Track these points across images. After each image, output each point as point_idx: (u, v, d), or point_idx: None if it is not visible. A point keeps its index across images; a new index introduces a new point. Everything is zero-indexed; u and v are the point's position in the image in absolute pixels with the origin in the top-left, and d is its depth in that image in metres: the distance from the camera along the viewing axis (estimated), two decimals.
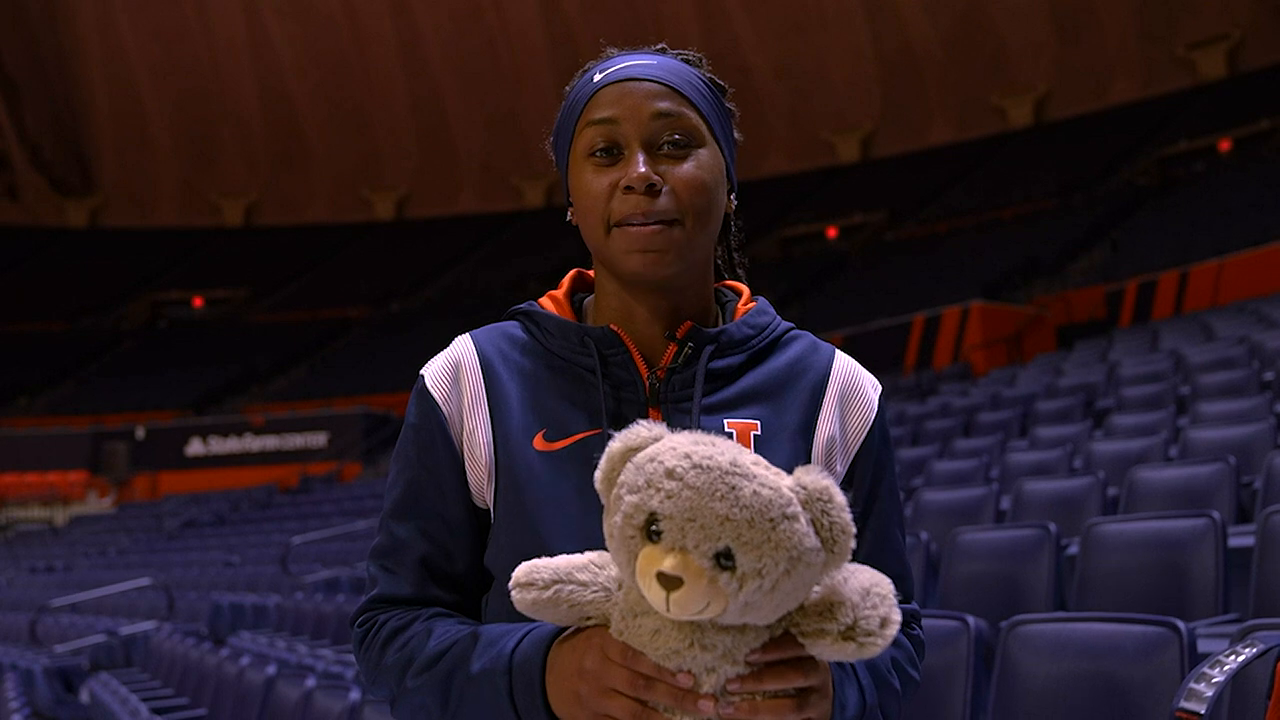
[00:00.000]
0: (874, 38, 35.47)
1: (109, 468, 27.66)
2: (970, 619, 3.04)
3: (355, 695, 3.89)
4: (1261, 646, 2.13)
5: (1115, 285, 19.97)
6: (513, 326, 1.42)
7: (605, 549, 1.14)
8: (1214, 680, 2.04)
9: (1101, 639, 2.70)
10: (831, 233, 32.82)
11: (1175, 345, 11.51)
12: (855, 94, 36.11)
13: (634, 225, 1.30)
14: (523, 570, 1.14)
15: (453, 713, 1.25)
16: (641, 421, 1.11)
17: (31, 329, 35.05)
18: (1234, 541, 3.82)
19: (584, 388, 1.34)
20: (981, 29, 34.39)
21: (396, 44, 38.45)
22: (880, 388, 1.44)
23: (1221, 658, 2.11)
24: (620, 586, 1.13)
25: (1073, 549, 4.31)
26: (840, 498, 1.06)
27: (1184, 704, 2.02)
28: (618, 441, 1.10)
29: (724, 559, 1.02)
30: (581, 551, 1.18)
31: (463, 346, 1.40)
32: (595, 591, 1.13)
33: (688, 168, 1.32)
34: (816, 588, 1.09)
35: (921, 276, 25.10)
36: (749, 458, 1.06)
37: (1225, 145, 27.52)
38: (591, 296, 1.44)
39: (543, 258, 31.73)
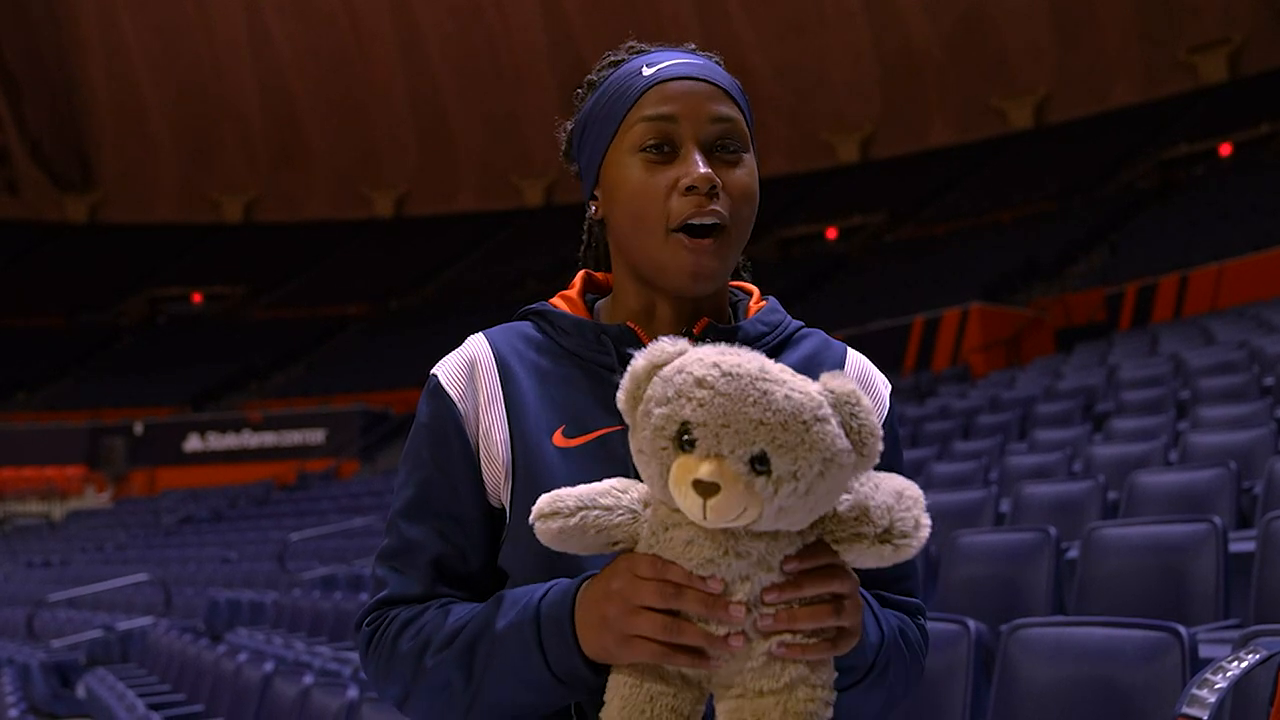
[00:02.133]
0: (874, 39, 35.46)
1: (107, 463, 27.64)
2: (970, 622, 3.03)
3: (353, 693, 3.88)
4: (1264, 653, 2.12)
5: (1115, 288, 19.95)
6: (526, 326, 1.40)
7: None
8: (1217, 686, 2.03)
9: (1102, 643, 2.69)
10: (831, 234, 32.80)
11: (1175, 349, 11.50)
12: (855, 95, 36.11)
13: (691, 238, 1.28)
14: (546, 501, 1.12)
15: (477, 683, 1.21)
16: (663, 337, 1.11)
17: (30, 324, 35.03)
18: (1234, 547, 3.82)
19: (601, 385, 1.32)
20: (982, 31, 34.39)
21: (397, 42, 38.43)
22: (890, 385, 1.44)
23: (1224, 664, 2.10)
24: (647, 506, 1.12)
25: (1072, 553, 4.30)
26: (867, 401, 1.07)
27: (1186, 710, 2.02)
28: (641, 359, 1.09)
29: (759, 463, 1.02)
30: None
31: (477, 344, 1.37)
32: (621, 515, 1.12)
33: (740, 174, 1.31)
34: (846, 496, 1.09)
35: (921, 278, 25.10)
36: (775, 365, 1.06)
37: (1226, 149, 27.50)
38: (604, 299, 1.43)
39: (541, 257, 31.70)
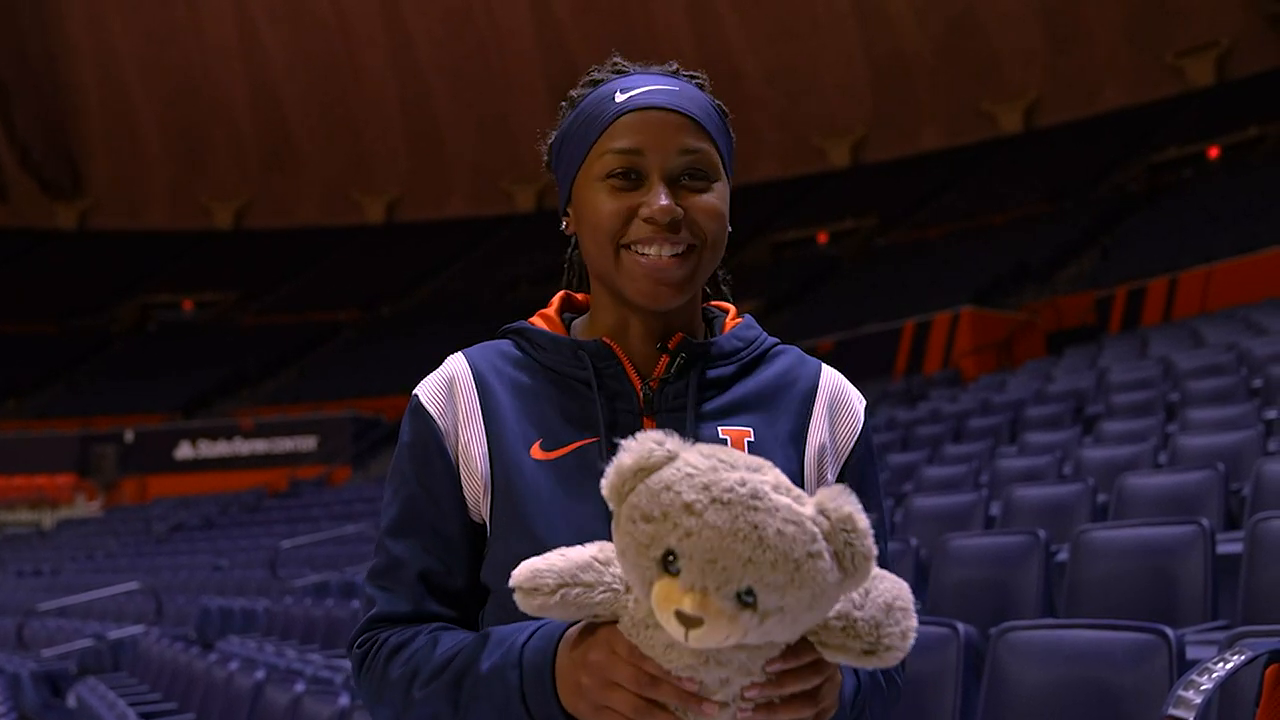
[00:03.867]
0: (865, 43, 35.53)
1: (97, 471, 27.56)
2: (959, 625, 3.04)
3: (344, 700, 3.88)
4: (1250, 654, 2.13)
5: (1105, 291, 20.01)
6: (505, 344, 1.43)
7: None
8: (1203, 687, 2.04)
9: (1091, 646, 2.70)
10: (822, 238, 32.85)
11: (1165, 352, 11.53)
12: (846, 99, 36.17)
13: (648, 254, 1.31)
14: (525, 575, 1.10)
15: (463, 715, 1.24)
16: (652, 433, 1.06)
17: (20, 331, 34.91)
18: (1223, 548, 3.84)
19: (579, 400, 1.35)
20: (972, 35, 34.48)
21: (387, 47, 38.41)
22: (865, 401, 1.46)
23: (1210, 665, 2.11)
24: (629, 590, 1.10)
25: (1062, 555, 4.31)
26: (863, 523, 1.02)
27: (1173, 711, 2.03)
28: (629, 458, 1.04)
29: (745, 596, 0.99)
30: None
31: (456, 363, 1.41)
32: (603, 592, 1.10)
33: (707, 197, 1.33)
34: (837, 605, 1.07)
35: (912, 282, 25.13)
36: (769, 481, 1.02)
37: (1214, 152, 27.62)
38: (580, 317, 1.46)
39: (533, 262, 31.70)
